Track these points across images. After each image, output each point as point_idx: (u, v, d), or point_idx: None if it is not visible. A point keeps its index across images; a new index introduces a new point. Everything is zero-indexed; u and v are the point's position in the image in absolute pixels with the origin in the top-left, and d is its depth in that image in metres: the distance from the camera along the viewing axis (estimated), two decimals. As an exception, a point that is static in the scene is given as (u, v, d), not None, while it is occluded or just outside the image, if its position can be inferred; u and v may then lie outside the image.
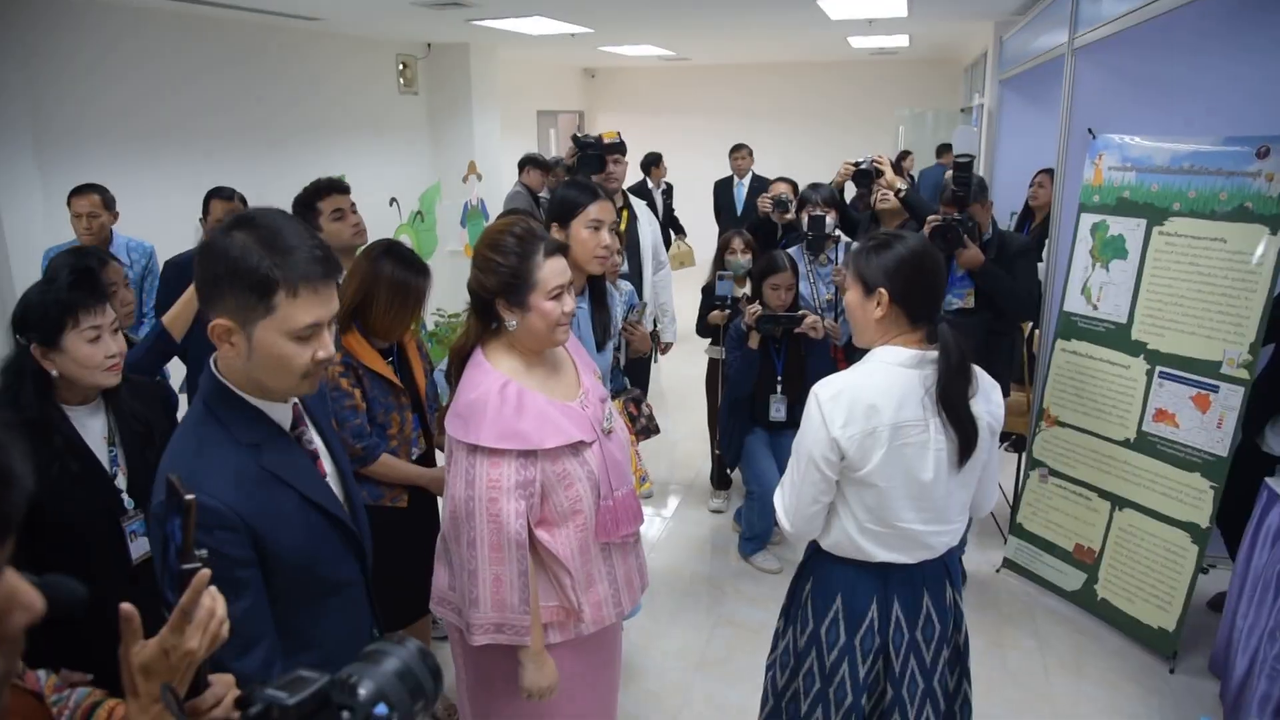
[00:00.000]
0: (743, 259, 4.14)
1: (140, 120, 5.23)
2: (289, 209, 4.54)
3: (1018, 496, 3.98)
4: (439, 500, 2.82)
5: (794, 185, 4.82)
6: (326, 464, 1.57)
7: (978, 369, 1.91)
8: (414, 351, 2.71)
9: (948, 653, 2.05)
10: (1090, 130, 3.68)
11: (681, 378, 6.36)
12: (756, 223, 4.55)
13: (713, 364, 4.47)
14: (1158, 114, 3.68)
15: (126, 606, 1.08)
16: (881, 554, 1.93)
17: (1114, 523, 3.51)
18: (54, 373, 1.94)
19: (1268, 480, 2.95)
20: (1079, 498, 3.65)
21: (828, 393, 1.87)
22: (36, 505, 1.86)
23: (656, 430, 4.02)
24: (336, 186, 3.18)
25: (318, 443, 1.57)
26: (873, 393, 1.84)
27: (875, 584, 1.97)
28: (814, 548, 2.06)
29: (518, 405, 1.83)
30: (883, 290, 1.87)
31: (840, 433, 1.83)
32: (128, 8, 5.00)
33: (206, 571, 1.11)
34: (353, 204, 3.21)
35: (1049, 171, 5.23)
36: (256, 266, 1.30)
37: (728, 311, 4.05)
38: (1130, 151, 3.51)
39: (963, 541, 3.58)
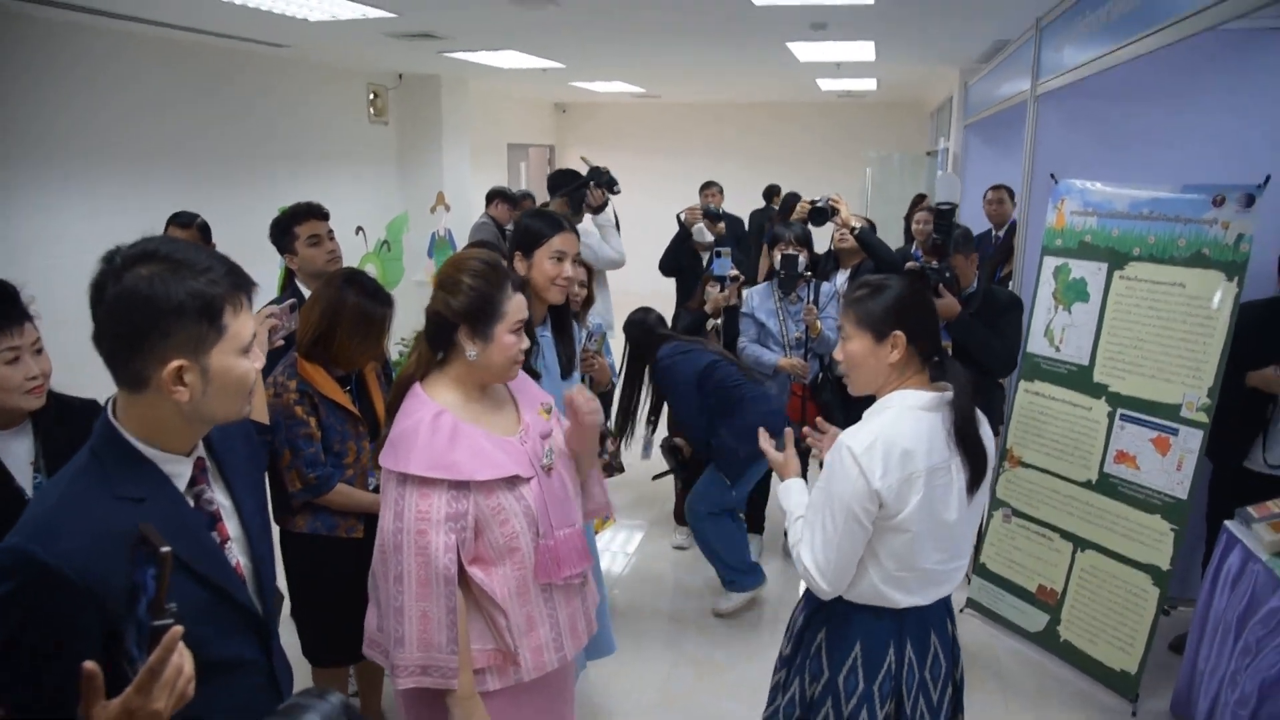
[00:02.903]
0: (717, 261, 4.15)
1: (104, 143, 5.15)
2: (255, 234, 4.48)
3: (981, 537, 3.98)
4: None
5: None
6: (232, 527, 1.43)
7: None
8: (373, 381, 2.67)
9: (950, 690, 2.06)
10: (1053, 175, 3.75)
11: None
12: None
13: None
14: (1120, 159, 3.76)
15: (89, 665, 1.03)
16: (905, 600, 1.93)
17: (1076, 564, 3.51)
18: None
19: (1227, 524, 2.97)
20: (1041, 538, 3.65)
21: (861, 445, 1.83)
22: None
23: (620, 469, 3.98)
24: (315, 212, 3.16)
25: (222, 502, 1.42)
26: (906, 439, 1.83)
27: (893, 629, 1.96)
28: (816, 599, 2.03)
29: (451, 435, 1.77)
30: (899, 333, 1.87)
31: (881, 484, 1.80)
32: (94, 29, 4.94)
33: (179, 628, 1.06)
34: (330, 231, 3.19)
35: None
36: (200, 292, 1.24)
37: (726, 291, 4.05)
38: (1091, 197, 3.57)
39: None
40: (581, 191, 4.35)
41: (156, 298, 1.21)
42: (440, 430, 1.77)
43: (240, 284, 1.30)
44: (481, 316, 1.82)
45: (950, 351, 3.38)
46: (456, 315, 1.82)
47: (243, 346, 1.30)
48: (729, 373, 3.71)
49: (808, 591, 2.09)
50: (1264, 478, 3.31)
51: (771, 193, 8.05)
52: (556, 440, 1.99)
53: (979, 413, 1.94)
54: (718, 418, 3.69)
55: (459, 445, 1.77)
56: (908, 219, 7.27)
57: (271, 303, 2.59)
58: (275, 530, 2.56)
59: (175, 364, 1.24)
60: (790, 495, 2.12)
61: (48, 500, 1.27)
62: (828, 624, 2.03)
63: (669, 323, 4.65)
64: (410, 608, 1.74)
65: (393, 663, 1.78)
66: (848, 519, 1.84)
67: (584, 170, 4.53)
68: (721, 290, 4.04)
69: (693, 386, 3.69)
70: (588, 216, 4.47)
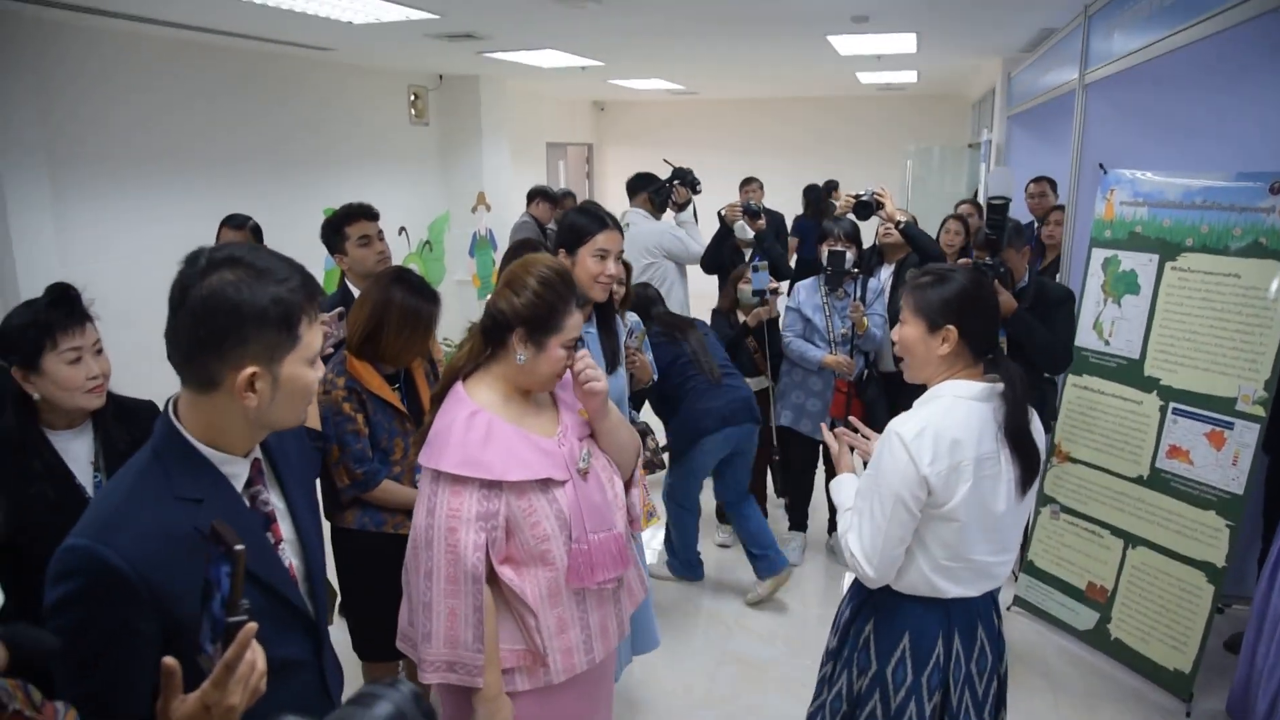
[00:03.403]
0: (755, 275, 4.15)
1: (152, 147, 5.26)
2: (300, 236, 4.56)
3: (1029, 534, 3.93)
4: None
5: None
6: (285, 528, 1.45)
7: None
8: (421, 378, 2.70)
9: (995, 685, 2.06)
10: (1101, 165, 3.68)
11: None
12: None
13: None
14: (1168, 149, 3.69)
15: (169, 661, 1.06)
16: (954, 590, 1.94)
17: (1127, 561, 3.45)
18: (35, 395, 1.90)
19: (1285, 519, 2.91)
20: (1091, 535, 3.59)
21: (911, 431, 1.85)
22: (18, 532, 1.83)
23: (662, 465, 4.00)
24: (366, 213, 3.21)
25: (276, 504, 1.44)
26: (955, 428, 1.85)
27: (941, 620, 1.97)
28: (864, 589, 2.04)
29: (485, 434, 1.78)
30: (951, 327, 1.89)
31: (929, 470, 1.82)
32: (140, 35, 5.05)
33: (253, 625, 1.08)
34: (380, 231, 3.24)
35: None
36: (280, 299, 1.26)
37: (766, 306, 4.08)
38: (1142, 186, 3.50)
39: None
40: (665, 191, 4.56)
41: (242, 303, 1.23)
42: (475, 429, 1.78)
43: (314, 293, 1.32)
44: (540, 323, 1.81)
45: (1005, 348, 3.32)
46: (516, 316, 1.82)
47: (312, 356, 1.32)
48: (684, 367, 3.78)
49: (855, 584, 2.09)
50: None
51: (812, 193, 8.01)
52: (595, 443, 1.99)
53: (1031, 410, 1.93)
54: (667, 408, 3.84)
55: (492, 445, 1.78)
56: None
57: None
58: (325, 527, 2.64)
59: (250, 370, 1.25)
60: (841, 490, 2.12)
61: (111, 500, 1.29)
62: (876, 615, 2.03)
63: (709, 320, 4.67)
64: (438, 604, 1.76)
65: (420, 657, 1.80)
66: (896, 505, 1.85)
67: (666, 172, 4.77)
68: (761, 304, 4.05)
69: (660, 373, 3.72)
70: (669, 213, 4.77)
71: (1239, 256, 3.15)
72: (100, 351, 2.00)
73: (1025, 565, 3.86)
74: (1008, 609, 3.86)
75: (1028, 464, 1.88)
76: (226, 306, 1.23)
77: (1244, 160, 3.32)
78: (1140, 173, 3.52)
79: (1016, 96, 6.25)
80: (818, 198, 7.51)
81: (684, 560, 4.12)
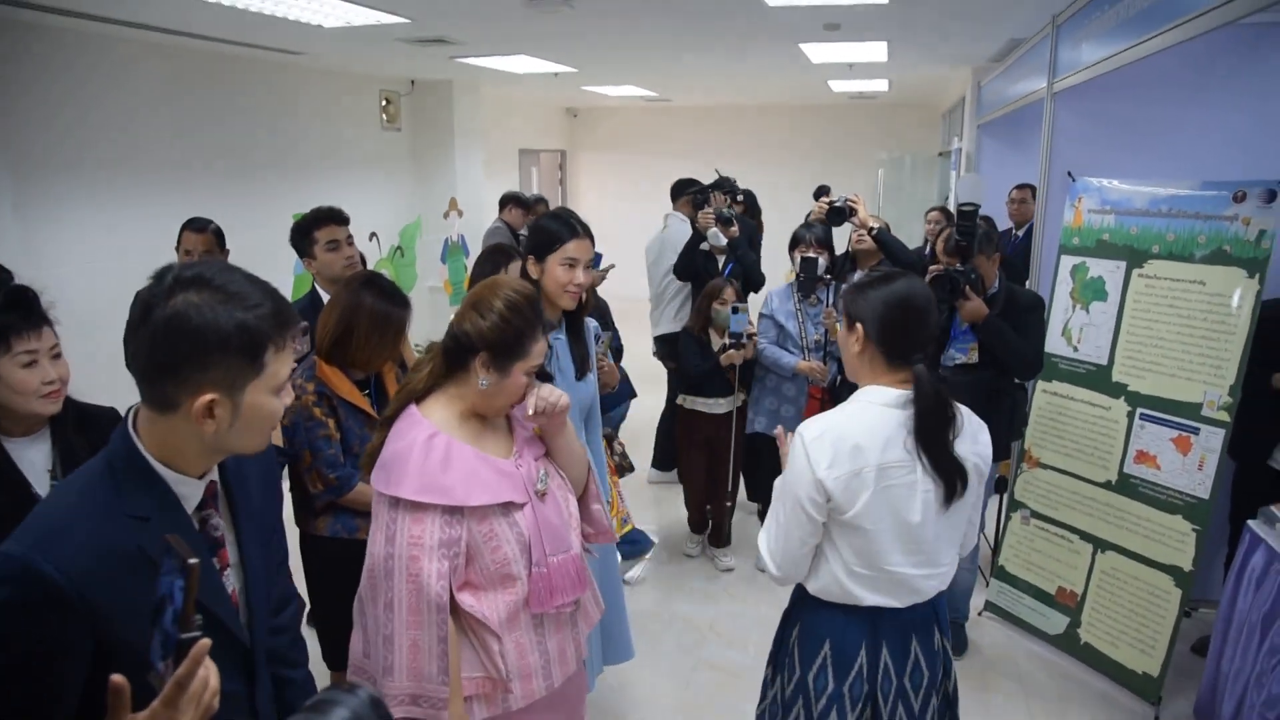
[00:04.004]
0: (733, 317, 3.90)
1: (117, 150, 5.18)
2: (269, 242, 4.49)
3: (999, 539, 3.95)
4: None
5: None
6: (231, 553, 1.40)
7: (963, 409, 1.88)
8: (392, 383, 2.67)
9: (937, 701, 1.99)
10: (1070, 173, 3.72)
11: (652, 415, 6.32)
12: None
13: (686, 414, 4.29)
14: (1136, 157, 3.73)
15: (117, 678, 1.02)
16: (871, 598, 1.88)
17: (1096, 565, 3.48)
18: None
19: (1250, 523, 2.94)
20: (1061, 540, 3.62)
21: (812, 433, 1.82)
22: None
23: (630, 468, 4.00)
24: (335, 217, 3.17)
25: (226, 530, 1.40)
26: (857, 433, 1.80)
27: (864, 629, 1.91)
28: (800, 592, 2.01)
29: (444, 458, 1.73)
30: (859, 326, 1.87)
31: (826, 474, 1.78)
32: (106, 36, 4.98)
33: (206, 641, 1.05)
34: (349, 236, 3.20)
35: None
36: (246, 326, 1.21)
37: (743, 349, 3.88)
38: (1109, 194, 3.55)
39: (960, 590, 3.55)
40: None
41: (204, 328, 1.18)
42: (434, 452, 1.72)
43: (286, 321, 1.28)
44: (505, 349, 1.77)
45: (977, 355, 3.34)
46: (481, 340, 1.77)
47: (277, 386, 1.28)
48: None
49: (796, 586, 2.04)
50: (1286, 477, 3.28)
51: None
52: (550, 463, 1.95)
53: (972, 420, 1.90)
54: None
55: (453, 468, 1.73)
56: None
57: None
58: (295, 535, 2.60)
59: (208, 397, 1.21)
60: None
61: (56, 509, 1.25)
62: (800, 621, 1.99)
63: (680, 339, 4.67)
64: (400, 636, 1.70)
65: (381, 691, 1.73)
66: (794, 507, 1.84)
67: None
68: (737, 347, 3.86)
69: None
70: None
71: (1204, 264, 3.19)
72: (58, 356, 1.93)
73: (996, 570, 3.88)
74: (979, 614, 3.88)
75: (947, 478, 1.81)
76: (188, 330, 1.18)
77: (1210, 168, 3.37)
78: (1108, 181, 3.57)
79: (986, 105, 6.32)
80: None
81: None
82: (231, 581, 1.40)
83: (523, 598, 1.80)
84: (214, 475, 1.37)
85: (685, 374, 4.22)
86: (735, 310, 3.84)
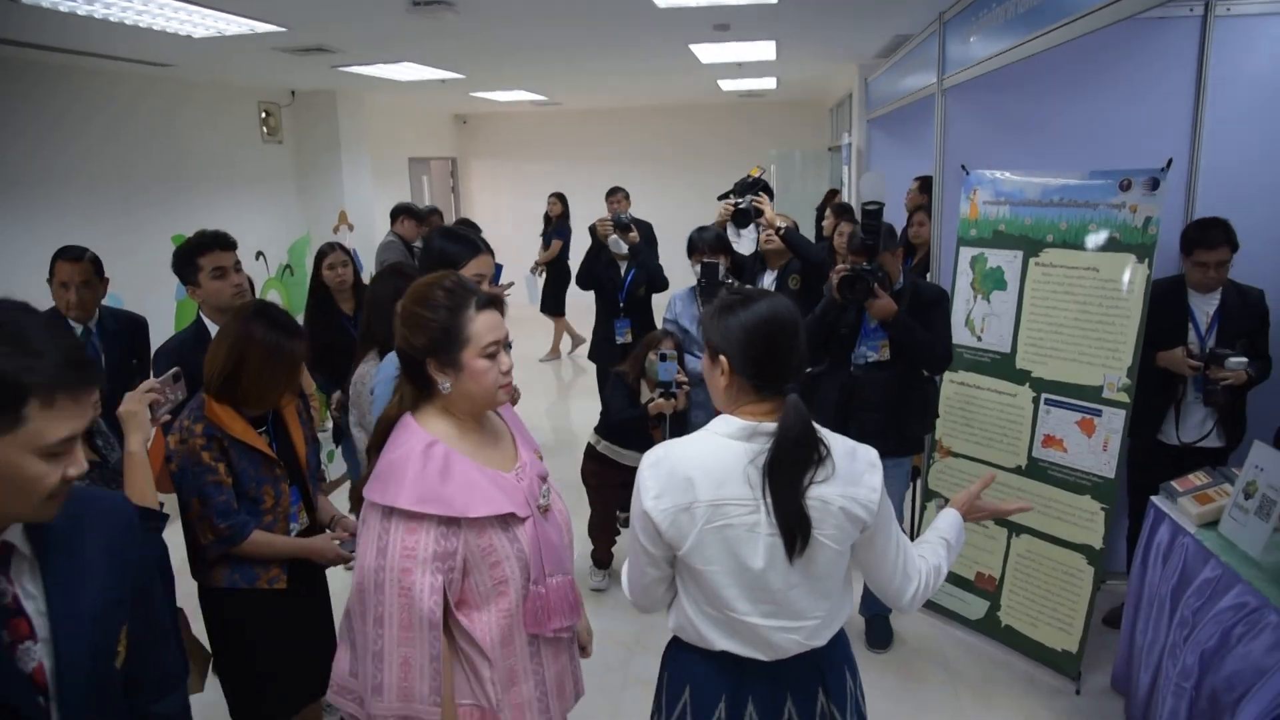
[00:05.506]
0: (662, 365, 3.61)
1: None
2: (149, 264, 4.20)
3: (915, 529, 4.01)
4: (326, 574, 2.61)
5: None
6: (40, 625, 1.26)
7: (852, 447, 1.70)
8: (293, 417, 2.51)
9: None
10: (964, 166, 3.80)
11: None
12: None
13: (598, 455, 4.14)
14: (1026, 150, 3.83)
15: None
16: (722, 642, 1.71)
17: (1012, 549, 3.56)
18: None
19: (1153, 499, 3.04)
20: (977, 526, 3.68)
21: (649, 460, 1.69)
22: None
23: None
24: (220, 242, 2.96)
25: (31, 594, 1.26)
26: (690, 464, 1.64)
27: (727, 678, 1.73)
28: (672, 633, 1.86)
29: (443, 467, 1.64)
30: (723, 357, 1.68)
31: (652, 504, 1.64)
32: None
33: None
34: (237, 262, 3.00)
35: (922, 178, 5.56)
36: (3, 374, 1.10)
37: (673, 399, 3.62)
38: (1003, 186, 3.63)
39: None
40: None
41: None
42: (432, 461, 1.63)
43: (74, 381, 1.16)
44: (445, 345, 1.67)
45: (889, 352, 3.35)
46: (420, 349, 1.68)
47: (43, 446, 1.15)
48: None
49: None
50: (1177, 449, 3.42)
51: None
52: (554, 481, 1.87)
53: (862, 459, 1.69)
54: None
55: (452, 478, 1.63)
56: (820, 210, 7.31)
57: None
58: (192, 587, 2.41)
59: None
60: None
61: None
62: (669, 661, 1.86)
63: (594, 339, 4.56)
64: (390, 652, 1.60)
65: (369, 712, 1.64)
66: (634, 536, 1.73)
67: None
68: (667, 397, 3.62)
69: None
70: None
71: (1096, 251, 3.30)
72: None
73: (915, 560, 3.93)
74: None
75: (786, 525, 1.60)
76: None
77: (1096, 159, 3.48)
78: (1001, 173, 3.65)
79: (874, 101, 6.44)
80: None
81: None
82: (37, 655, 1.25)
83: (519, 618, 1.71)
84: (13, 536, 1.23)
85: (607, 417, 4.07)
86: (664, 358, 3.60)
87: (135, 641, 1.40)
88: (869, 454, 1.71)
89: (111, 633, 1.35)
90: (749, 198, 3.85)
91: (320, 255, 4.25)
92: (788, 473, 1.60)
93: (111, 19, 3.96)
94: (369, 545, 1.62)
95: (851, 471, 1.66)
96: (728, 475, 1.62)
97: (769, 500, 1.61)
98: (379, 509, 1.63)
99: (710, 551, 1.64)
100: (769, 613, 1.67)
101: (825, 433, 1.67)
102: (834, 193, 7.97)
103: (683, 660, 1.79)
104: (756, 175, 4.26)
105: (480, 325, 1.69)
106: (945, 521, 1.98)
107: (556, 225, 8.74)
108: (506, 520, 1.69)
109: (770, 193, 4.52)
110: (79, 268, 3.41)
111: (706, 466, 1.63)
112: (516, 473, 1.77)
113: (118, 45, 4.80)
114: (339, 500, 4.74)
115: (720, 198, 4.14)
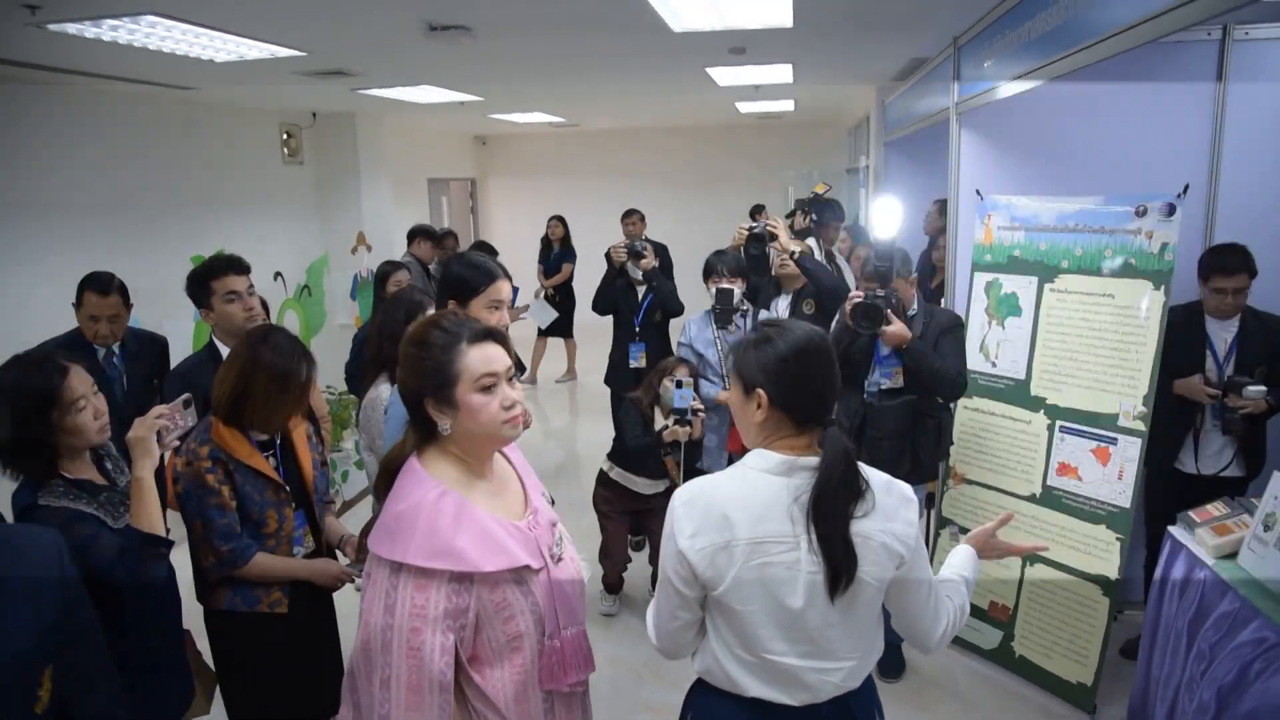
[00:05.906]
0: (677, 392, 3.60)
1: (9, 199, 4.85)
2: (170, 286, 4.22)
3: (930, 556, 3.96)
4: (333, 598, 2.61)
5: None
6: None
7: (888, 482, 1.67)
8: (302, 441, 2.51)
9: None
10: (978, 191, 3.78)
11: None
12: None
13: (610, 481, 4.07)
14: (1041, 174, 3.79)
15: None
16: (756, 688, 1.64)
17: (1026, 579, 3.51)
18: None
19: (1171, 530, 2.99)
20: (990, 554, 3.64)
21: (682, 497, 1.63)
22: None
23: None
24: (234, 266, 2.99)
25: None
26: (727, 501, 1.59)
27: None
28: (698, 676, 1.79)
29: (455, 518, 1.56)
30: (760, 391, 1.63)
31: (688, 544, 1.59)
32: (-20, 78, 4.68)
33: None
34: (251, 286, 3.02)
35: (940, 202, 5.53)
36: None
37: (688, 426, 3.61)
38: (1018, 211, 3.61)
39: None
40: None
41: None
42: (444, 513, 1.56)
43: None
44: (438, 384, 1.60)
45: (902, 379, 3.32)
46: (417, 391, 1.63)
47: None
48: None
49: None
50: (1194, 478, 3.37)
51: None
52: (565, 529, 1.81)
53: (896, 494, 1.66)
54: None
55: (464, 530, 1.56)
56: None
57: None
58: (198, 610, 2.42)
59: None
60: None
61: None
62: (692, 705, 1.79)
63: (610, 363, 4.56)
64: (398, 718, 1.52)
65: None
66: (664, 577, 1.66)
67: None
68: (682, 423, 3.61)
69: None
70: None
71: (1112, 277, 3.26)
72: None
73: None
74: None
75: (833, 561, 1.56)
76: None
77: (1112, 185, 3.45)
78: (1016, 198, 3.63)
79: (891, 123, 6.43)
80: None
81: None
82: None
83: (533, 674, 1.64)
84: None
85: (621, 443, 4.02)
86: (679, 385, 3.58)
87: (62, 683, 1.34)
88: (904, 489, 1.68)
89: (31, 676, 1.30)
90: (762, 223, 3.84)
91: (383, 275, 4.52)
92: (833, 508, 1.57)
93: (136, 44, 4.03)
94: (376, 602, 1.54)
95: (888, 506, 1.63)
96: (767, 511, 1.58)
97: (813, 537, 1.56)
98: (386, 564, 1.55)
99: (748, 591, 1.59)
100: (806, 653, 1.62)
101: (862, 466, 1.64)
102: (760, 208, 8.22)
103: (710, 705, 1.72)
104: (822, 191, 4.24)
105: (473, 358, 1.62)
106: (960, 559, 1.93)
107: (562, 249, 8.67)
108: (520, 573, 1.61)
109: (840, 212, 4.58)
110: (108, 302, 3.39)
111: (744, 503, 1.59)
112: (528, 521, 1.70)
113: (141, 69, 4.88)
114: (362, 516, 4.75)
115: (787, 216, 4.18)
